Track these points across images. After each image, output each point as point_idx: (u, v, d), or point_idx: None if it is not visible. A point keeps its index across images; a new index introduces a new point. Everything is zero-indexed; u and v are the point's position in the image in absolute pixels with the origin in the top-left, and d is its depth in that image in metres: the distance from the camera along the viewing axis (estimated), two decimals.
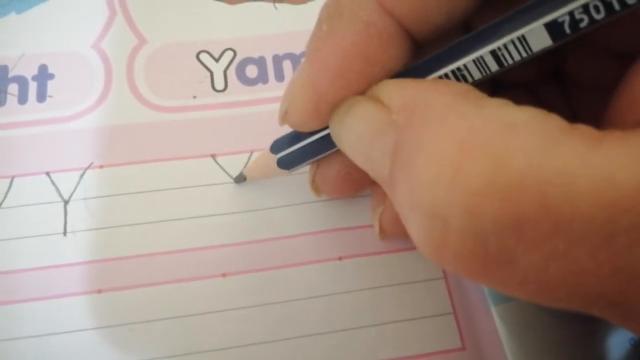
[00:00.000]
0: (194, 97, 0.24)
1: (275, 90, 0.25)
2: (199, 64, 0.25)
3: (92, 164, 0.23)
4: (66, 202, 0.22)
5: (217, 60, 0.25)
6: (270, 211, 0.22)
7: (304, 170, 0.21)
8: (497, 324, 0.20)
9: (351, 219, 0.22)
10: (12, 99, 0.24)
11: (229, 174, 0.23)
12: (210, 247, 0.21)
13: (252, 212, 0.22)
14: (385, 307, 0.20)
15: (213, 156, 0.23)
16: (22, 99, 0.24)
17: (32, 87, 0.24)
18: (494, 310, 0.20)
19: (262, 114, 0.24)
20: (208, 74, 0.25)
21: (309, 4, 0.27)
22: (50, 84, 0.24)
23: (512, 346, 0.20)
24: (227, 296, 0.20)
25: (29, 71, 0.25)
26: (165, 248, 0.21)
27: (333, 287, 0.21)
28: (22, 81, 0.24)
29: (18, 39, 0.25)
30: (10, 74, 0.24)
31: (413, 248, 0.21)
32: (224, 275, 0.21)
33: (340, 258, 0.21)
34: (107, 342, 0.19)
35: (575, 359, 0.20)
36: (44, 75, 0.25)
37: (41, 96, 0.24)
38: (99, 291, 0.20)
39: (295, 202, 0.22)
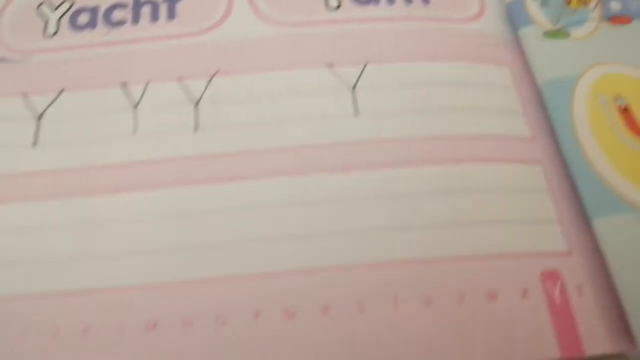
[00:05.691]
0: (310, 14, 0.26)
1: (387, 10, 0.26)
2: None
3: (218, 71, 0.25)
4: (196, 104, 0.24)
5: None
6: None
7: None
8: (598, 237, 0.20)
9: None
10: (145, 19, 0.26)
11: (346, 83, 0.24)
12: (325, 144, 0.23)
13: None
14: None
15: (330, 66, 0.25)
16: (154, 18, 0.26)
17: (163, 8, 0.27)
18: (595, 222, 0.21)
19: (375, 31, 0.25)
20: None
21: None
22: (178, 5, 0.27)
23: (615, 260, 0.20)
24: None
25: None
26: (281, 144, 0.23)
27: None
28: (154, 3, 0.27)
29: None
30: None
31: None
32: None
33: None
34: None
35: None
36: None
37: (171, 16, 0.26)
38: (232, 179, 0.22)
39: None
